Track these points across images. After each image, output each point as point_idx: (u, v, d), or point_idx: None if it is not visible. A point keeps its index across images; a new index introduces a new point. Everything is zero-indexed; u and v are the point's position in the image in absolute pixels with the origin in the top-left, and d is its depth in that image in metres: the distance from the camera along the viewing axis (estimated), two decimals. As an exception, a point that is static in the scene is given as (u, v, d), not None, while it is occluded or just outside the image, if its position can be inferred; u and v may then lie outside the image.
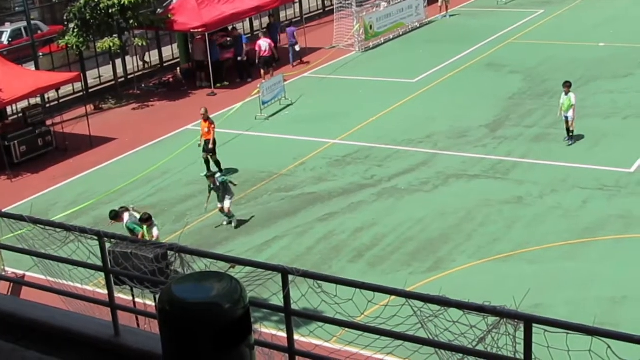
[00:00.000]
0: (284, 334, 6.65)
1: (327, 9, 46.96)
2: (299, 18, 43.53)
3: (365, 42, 39.72)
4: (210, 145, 24.48)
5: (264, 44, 35.31)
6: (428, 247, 19.55)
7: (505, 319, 6.01)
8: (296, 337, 6.73)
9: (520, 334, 6.04)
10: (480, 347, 6.39)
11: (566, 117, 25.21)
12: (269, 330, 8.77)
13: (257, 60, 35.42)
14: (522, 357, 6.06)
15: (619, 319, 15.93)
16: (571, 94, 25.11)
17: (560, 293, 17.19)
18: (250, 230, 21.09)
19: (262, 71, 34.92)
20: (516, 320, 5.94)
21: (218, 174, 21.72)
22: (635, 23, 40.10)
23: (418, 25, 43.44)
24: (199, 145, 24.88)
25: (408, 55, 38.10)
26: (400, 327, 6.62)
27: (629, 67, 32.97)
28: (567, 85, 25.39)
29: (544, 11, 44.25)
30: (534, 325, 5.94)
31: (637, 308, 16.47)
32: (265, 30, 38.86)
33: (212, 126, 24.69)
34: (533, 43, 38.44)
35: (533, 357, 5.99)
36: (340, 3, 41.73)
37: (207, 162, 24.59)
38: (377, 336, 6.76)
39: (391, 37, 41.33)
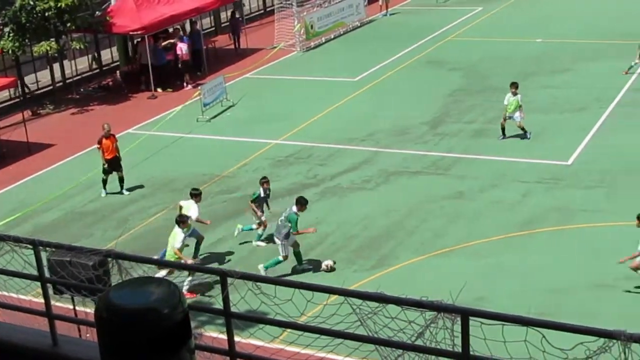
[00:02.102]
0: (224, 337, 6.64)
1: (268, 9, 46.92)
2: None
3: (306, 42, 39.76)
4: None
5: (183, 47, 35.07)
6: (371, 244, 19.66)
7: (442, 313, 6.08)
8: (237, 339, 6.72)
9: (458, 328, 6.11)
10: (419, 342, 6.44)
11: (511, 118, 25.46)
12: (210, 333, 8.73)
13: (179, 65, 35.21)
14: (460, 350, 6.14)
15: (560, 309, 16.21)
16: (518, 95, 25.32)
17: (502, 286, 17.42)
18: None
19: (187, 76, 34.75)
20: (453, 314, 6.02)
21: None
22: (572, 19, 40.79)
23: (359, 24, 43.61)
24: (105, 167, 23.55)
25: (349, 54, 38.25)
26: (340, 325, 6.64)
27: (566, 63, 33.52)
28: (515, 86, 25.46)
29: (482, 8, 44.74)
30: (470, 318, 6.03)
31: (577, 298, 16.77)
32: (183, 35, 37.73)
33: (116, 142, 23.74)
34: (472, 40, 38.86)
35: (470, 349, 6.07)
36: (281, 3, 41.78)
37: (105, 182, 23.66)
38: (317, 335, 6.79)
39: (332, 36, 41.43)
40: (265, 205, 20.42)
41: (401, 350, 6.73)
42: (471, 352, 6.08)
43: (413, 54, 36.93)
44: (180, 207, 19.40)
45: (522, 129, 25.44)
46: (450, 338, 6.19)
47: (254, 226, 20.41)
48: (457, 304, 6.20)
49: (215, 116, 30.26)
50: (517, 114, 25.29)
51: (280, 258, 18.50)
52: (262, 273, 17.96)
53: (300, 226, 18.58)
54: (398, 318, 6.63)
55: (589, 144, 24.93)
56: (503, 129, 25.56)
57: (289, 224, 18.37)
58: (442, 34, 40.28)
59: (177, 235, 17.92)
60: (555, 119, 27.18)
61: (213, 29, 44.25)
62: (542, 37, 37.85)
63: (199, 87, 31.42)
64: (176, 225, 18.09)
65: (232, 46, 40.63)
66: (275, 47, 39.44)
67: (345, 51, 38.98)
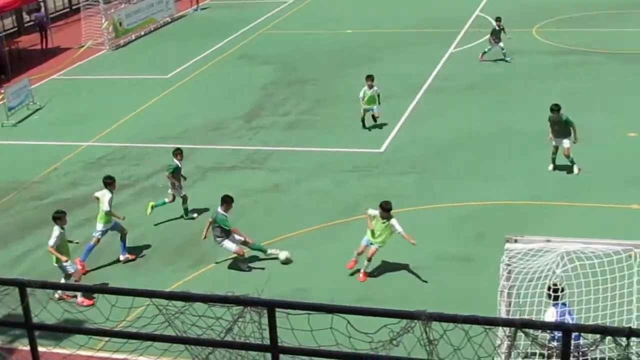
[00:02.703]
0: (27, 348, 6.35)
1: (74, 7, 45.53)
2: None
3: (115, 40, 38.88)
4: None
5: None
6: (191, 242, 19.39)
7: (249, 307, 6.05)
8: (42, 349, 6.44)
9: (266, 320, 6.09)
10: (228, 338, 6.39)
11: (370, 110, 25.52)
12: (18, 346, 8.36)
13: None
14: (269, 342, 6.13)
15: (380, 294, 16.55)
16: (375, 88, 25.47)
17: (323, 274, 17.62)
18: (3, 244, 20.05)
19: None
20: (259, 307, 6.00)
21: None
22: (379, 9, 41.92)
23: (169, 20, 43.11)
24: None
25: (160, 51, 37.71)
26: (149, 327, 6.50)
27: (375, 52, 34.35)
28: (371, 79, 25.45)
29: (293, 1, 45.19)
30: (277, 309, 6.02)
31: (393, 282, 17.19)
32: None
33: None
34: (283, 33, 39.22)
35: (279, 341, 6.07)
36: (87, 0, 40.60)
37: None
38: (124, 340, 6.60)
39: (142, 33, 40.73)
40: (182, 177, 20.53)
41: (211, 348, 6.66)
42: (280, 344, 6.08)
43: (225, 48, 36.85)
44: (97, 198, 18.62)
45: (375, 118, 25.73)
46: (259, 331, 6.18)
47: (167, 200, 20.34)
48: (277, 298, 6.18)
49: (21, 120, 29.06)
50: (375, 106, 25.46)
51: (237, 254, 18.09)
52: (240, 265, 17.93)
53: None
54: (206, 315, 6.55)
55: (400, 131, 25.65)
56: (363, 121, 25.68)
57: (219, 226, 17.90)
58: (254, 27, 40.43)
59: (53, 232, 16.82)
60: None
61: (16, 29, 42.55)
62: (352, 28, 38.65)
63: (1, 91, 30.05)
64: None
65: (39, 46, 39.18)
66: (82, 46, 38.34)
67: (157, 48, 38.42)
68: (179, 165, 20.33)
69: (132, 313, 7.23)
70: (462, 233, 18.96)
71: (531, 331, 5.68)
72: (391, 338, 5.75)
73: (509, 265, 12.36)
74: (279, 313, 6.04)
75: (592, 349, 5.58)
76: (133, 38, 39.97)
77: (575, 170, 21.65)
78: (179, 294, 6.12)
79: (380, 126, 25.84)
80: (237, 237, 18.06)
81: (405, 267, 17.64)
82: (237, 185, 22.02)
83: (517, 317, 12.16)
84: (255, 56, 35.31)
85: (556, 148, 21.66)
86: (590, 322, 12.36)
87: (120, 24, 39.21)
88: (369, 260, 17.25)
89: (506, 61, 31.68)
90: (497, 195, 20.61)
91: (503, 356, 5.70)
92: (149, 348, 6.69)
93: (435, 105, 27.72)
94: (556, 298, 12.92)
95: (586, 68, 30.67)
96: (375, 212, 17.12)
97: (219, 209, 17.98)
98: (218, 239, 18.04)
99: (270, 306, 5.89)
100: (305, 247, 18.88)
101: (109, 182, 18.67)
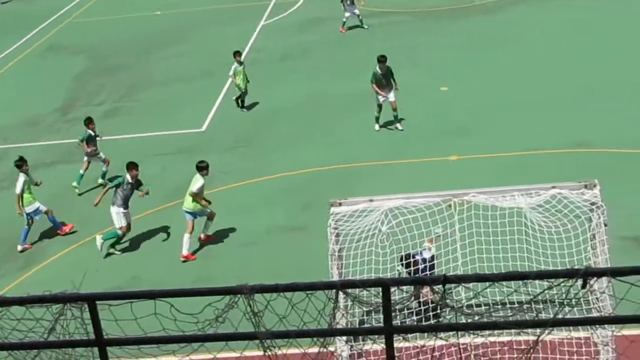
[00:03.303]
0: None
1: None
2: None
3: None
4: None
5: None
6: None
7: (68, 304, 5.90)
8: None
9: (88, 315, 5.97)
10: (52, 338, 6.21)
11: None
12: None
13: None
14: (94, 337, 6.00)
15: (216, 273, 16.52)
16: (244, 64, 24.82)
17: (155, 260, 17.42)
18: None
19: None
20: (79, 302, 5.86)
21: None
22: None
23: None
24: None
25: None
26: (-32, 338, 6.23)
27: (186, 32, 33.99)
28: (239, 54, 24.80)
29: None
30: (97, 302, 5.90)
31: (227, 260, 17.18)
32: None
33: None
34: (92, 20, 38.19)
35: (104, 334, 5.95)
36: None
37: None
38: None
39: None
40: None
41: (36, 350, 6.46)
42: (106, 336, 5.97)
43: (32, 42, 35.57)
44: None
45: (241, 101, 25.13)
46: (82, 327, 6.03)
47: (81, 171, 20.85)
48: (113, 290, 6.04)
49: None
50: (238, 81, 24.60)
51: (118, 231, 17.71)
52: (98, 244, 17.54)
53: None
54: (26, 318, 6.34)
55: (219, 108, 25.57)
56: (241, 102, 25.01)
57: (119, 190, 17.69)
58: (60, 17, 39.18)
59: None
60: (184, 88, 27.54)
61: None
62: (160, 9, 38.09)
63: None
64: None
65: None
66: None
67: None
68: (92, 134, 20.79)
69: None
70: (291, 203, 19.17)
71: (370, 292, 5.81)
72: (217, 316, 5.75)
73: (336, 228, 12.58)
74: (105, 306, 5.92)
75: (411, 300, 5.78)
76: None
77: (399, 126, 22.25)
78: (-8, 299, 5.89)
79: (199, 105, 25.66)
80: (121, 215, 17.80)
81: (238, 243, 17.67)
82: (60, 181, 21.35)
83: (350, 278, 12.42)
84: (64, 47, 34.24)
85: (380, 107, 22.09)
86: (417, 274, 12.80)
87: None
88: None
89: (363, 28, 31.73)
90: (322, 161, 20.92)
91: (328, 318, 5.81)
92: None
93: (253, 79, 27.76)
94: (408, 265, 13.30)
95: (394, 28, 31.44)
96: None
97: (127, 177, 17.90)
98: (116, 205, 17.80)
99: (90, 300, 5.76)
100: (137, 234, 18.57)
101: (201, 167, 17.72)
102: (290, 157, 21.47)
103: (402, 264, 13.39)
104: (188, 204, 17.45)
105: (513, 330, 5.78)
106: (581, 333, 12.01)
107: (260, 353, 5.84)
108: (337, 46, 30.23)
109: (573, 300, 5.41)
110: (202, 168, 17.51)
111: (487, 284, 5.68)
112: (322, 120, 23.64)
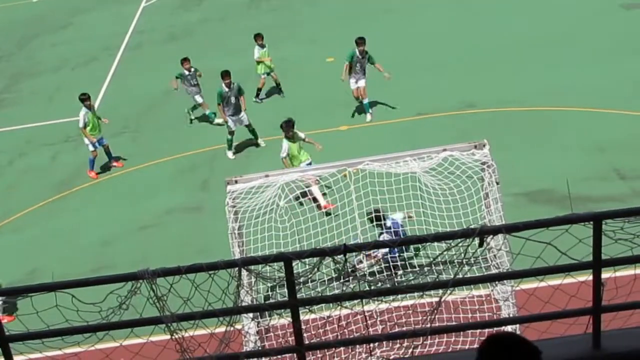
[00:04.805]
0: None
1: None
2: None
3: None
4: None
5: None
6: None
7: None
8: None
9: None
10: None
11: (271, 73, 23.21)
12: None
13: None
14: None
15: (117, 260, 16.24)
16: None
17: (53, 252, 17.05)
18: None
19: None
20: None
21: None
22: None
23: None
24: None
25: None
26: None
27: (66, 18, 33.16)
28: (261, 37, 22.75)
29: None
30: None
31: (127, 245, 16.95)
32: None
33: None
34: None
35: (6, 331, 5.81)
36: None
37: None
38: None
39: None
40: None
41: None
42: (7, 333, 5.84)
43: None
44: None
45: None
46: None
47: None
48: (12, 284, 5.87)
49: None
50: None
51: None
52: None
53: None
54: None
55: (106, 93, 25.09)
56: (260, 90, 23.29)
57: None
58: None
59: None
60: (68, 75, 26.92)
61: None
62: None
63: None
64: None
65: None
66: None
67: None
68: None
69: None
70: (188, 183, 19.02)
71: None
72: (120, 303, 5.68)
73: (234, 206, 12.53)
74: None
75: (314, 272, 5.82)
76: None
77: (369, 116, 20.92)
78: None
79: (85, 91, 25.05)
80: None
81: (138, 228, 17.45)
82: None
83: (251, 255, 12.41)
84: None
85: (232, 133, 20.17)
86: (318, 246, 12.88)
87: None
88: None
89: None
90: (216, 140, 20.77)
91: (233, 296, 5.82)
92: None
93: (137, 62, 27.36)
94: (379, 220, 13.34)
95: (276, 3, 31.38)
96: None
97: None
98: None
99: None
100: (29, 228, 18.15)
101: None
102: (182, 138, 21.27)
103: (374, 224, 13.46)
104: (305, 157, 17.25)
105: (416, 294, 5.90)
106: (482, 291, 12.32)
107: (167, 337, 5.80)
108: (221, 23, 29.99)
109: (472, 259, 5.54)
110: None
111: (387, 249, 5.79)
112: (213, 98, 23.40)
